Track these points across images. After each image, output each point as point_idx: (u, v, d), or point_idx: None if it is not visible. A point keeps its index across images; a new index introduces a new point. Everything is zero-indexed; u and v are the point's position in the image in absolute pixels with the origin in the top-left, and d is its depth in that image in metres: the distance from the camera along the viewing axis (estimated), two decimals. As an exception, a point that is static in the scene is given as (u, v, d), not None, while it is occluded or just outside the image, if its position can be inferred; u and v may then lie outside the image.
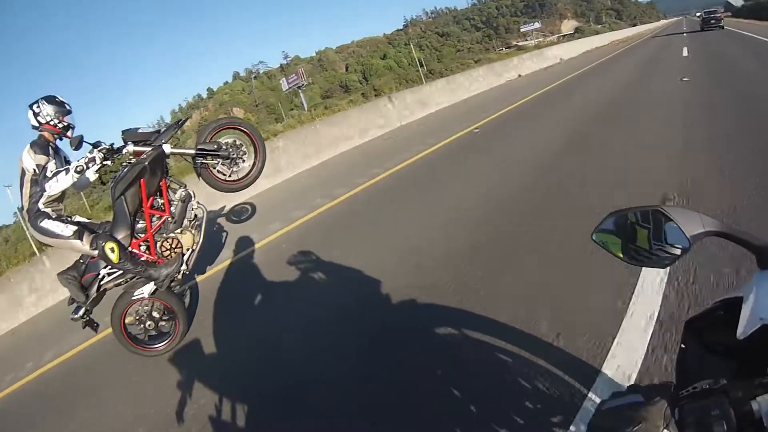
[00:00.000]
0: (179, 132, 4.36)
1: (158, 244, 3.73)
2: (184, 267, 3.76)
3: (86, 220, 3.81)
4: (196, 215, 3.90)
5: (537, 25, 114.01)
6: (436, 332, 2.79)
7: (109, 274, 3.71)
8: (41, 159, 3.48)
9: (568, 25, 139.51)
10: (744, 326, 0.74)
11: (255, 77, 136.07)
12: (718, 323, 0.84)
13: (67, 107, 3.68)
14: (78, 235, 3.55)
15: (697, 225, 0.83)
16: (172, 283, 3.79)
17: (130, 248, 3.63)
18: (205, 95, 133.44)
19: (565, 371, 2.13)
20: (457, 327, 2.77)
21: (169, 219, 3.74)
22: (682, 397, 0.74)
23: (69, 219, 3.66)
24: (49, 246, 3.74)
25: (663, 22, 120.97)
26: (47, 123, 3.59)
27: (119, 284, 3.78)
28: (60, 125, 3.63)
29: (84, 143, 3.58)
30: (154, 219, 3.72)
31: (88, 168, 3.48)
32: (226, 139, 3.94)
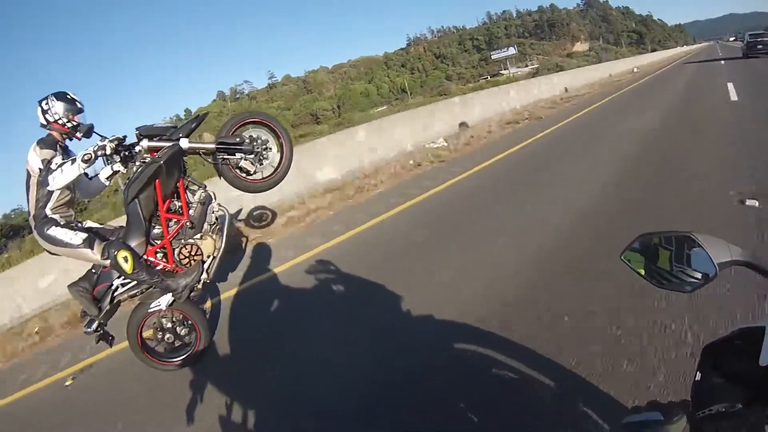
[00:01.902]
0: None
1: (176, 251, 3.76)
2: (204, 276, 3.79)
3: (98, 226, 3.87)
4: (216, 219, 3.93)
5: (512, 50, 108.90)
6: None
7: (122, 285, 3.75)
8: (47, 153, 3.53)
9: (581, 48, 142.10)
10: (766, 355, 0.81)
11: (238, 98, 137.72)
12: (736, 351, 0.92)
13: (79, 105, 3.73)
14: (88, 243, 3.60)
15: (724, 253, 0.92)
16: (192, 294, 3.83)
17: (145, 256, 3.67)
18: (182, 116, 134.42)
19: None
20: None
21: (188, 223, 3.77)
22: (700, 418, 0.84)
23: (79, 225, 3.72)
24: (56, 255, 3.77)
25: (685, 48, 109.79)
26: (56, 122, 3.64)
27: (134, 295, 3.81)
28: (69, 125, 3.68)
29: (95, 134, 3.65)
30: (171, 224, 3.75)
31: (96, 157, 3.48)
32: (249, 133, 3.95)
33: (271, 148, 4.04)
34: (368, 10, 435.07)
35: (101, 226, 3.90)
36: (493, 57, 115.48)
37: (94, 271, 3.80)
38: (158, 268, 3.73)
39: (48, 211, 3.59)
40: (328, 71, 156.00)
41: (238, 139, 3.85)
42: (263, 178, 4.01)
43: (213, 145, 3.78)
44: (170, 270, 3.76)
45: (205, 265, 3.81)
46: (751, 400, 0.83)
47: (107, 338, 3.89)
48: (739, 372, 0.89)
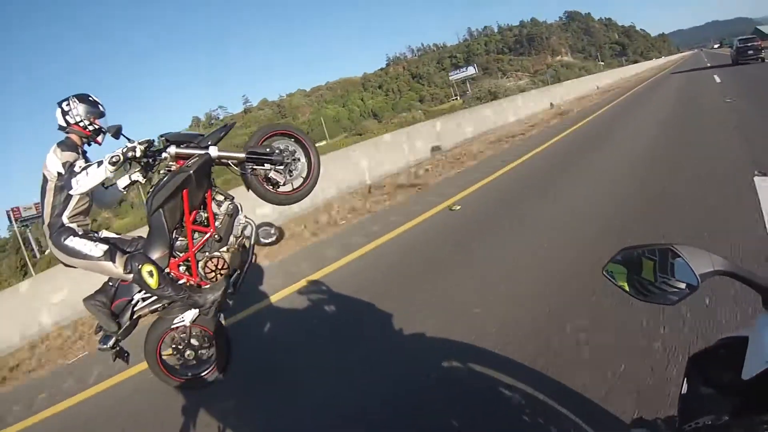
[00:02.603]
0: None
1: (200, 264, 3.71)
2: (231, 290, 3.74)
3: (114, 236, 3.76)
4: (243, 231, 3.89)
5: (471, 70, 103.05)
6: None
7: (144, 300, 3.65)
8: (69, 156, 3.43)
9: (563, 62, 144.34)
10: (750, 367, 0.85)
11: (213, 123, 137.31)
12: (721, 361, 0.97)
13: (101, 109, 3.68)
14: (109, 255, 3.49)
15: (706, 264, 0.94)
16: (221, 309, 3.76)
17: (167, 269, 3.60)
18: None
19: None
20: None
21: (215, 236, 3.72)
22: (686, 431, 0.89)
23: (96, 236, 3.62)
24: (71, 267, 3.64)
25: (661, 61, 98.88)
26: (76, 123, 3.57)
27: (155, 310, 3.72)
28: (90, 128, 3.62)
29: (123, 136, 3.57)
30: (196, 236, 3.70)
31: (125, 160, 3.41)
32: (278, 144, 3.96)
33: (299, 159, 4.06)
34: (350, 30, 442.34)
35: (118, 236, 3.80)
36: (451, 78, 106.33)
37: (111, 284, 3.68)
38: (181, 282, 3.66)
39: (65, 219, 3.49)
40: (305, 94, 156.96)
41: (267, 150, 3.85)
42: (292, 190, 4.01)
43: (243, 155, 3.76)
44: (194, 284, 3.69)
45: (232, 279, 3.76)
46: (738, 411, 0.86)
47: (123, 355, 3.78)
48: (725, 382, 0.93)
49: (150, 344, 3.72)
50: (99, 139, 3.70)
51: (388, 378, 3.35)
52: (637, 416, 2.17)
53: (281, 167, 3.91)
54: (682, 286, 0.96)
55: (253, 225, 3.94)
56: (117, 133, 3.56)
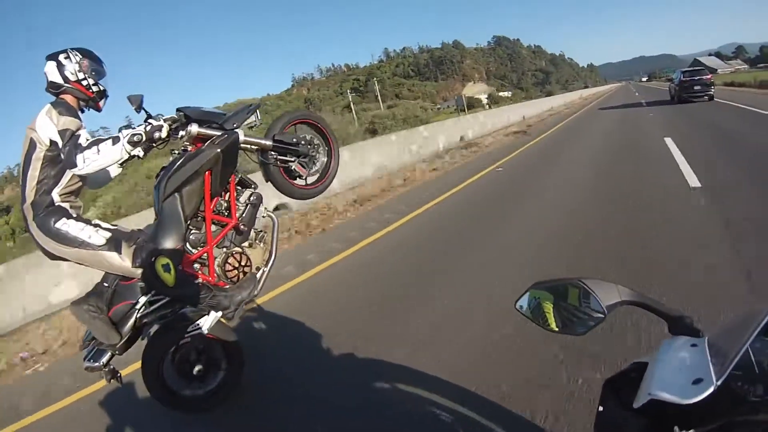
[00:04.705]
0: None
1: (218, 260, 3.42)
2: (255, 291, 3.47)
3: (108, 225, 3.24)
4: (264, 225, 3.72)
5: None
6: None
7: (151, 303, 3.21)
8: (70, 123, 2.94)
9: (474, 90, 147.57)
10: (639, 396, 0.97)
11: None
12: (633, 384, 1.07)
13: (105, 68, 3.29)
14: (114, 245, 3.03)
15: (613, 295, 1.09)
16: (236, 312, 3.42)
17: (180, 266, 3.18)
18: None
19: None
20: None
21: (240, 227, 3.48)
22: None
23: (90, 221, 3.14)
24: (60, 259, 3.10)
25: (586, 92, 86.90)
26: (77, 82, 3.11)
27: (164, 316, 3.31)
28: (94, 88, 3.19)
29: (143, 110, 3.18)
30: (214, 228, 3.40)
31: (149, 142, 3.01)
32: (303, 134, 3.83)
33: (321, 153, 3.99)
34: (255, 47, 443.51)
35: (114, 226, 3.27)
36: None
37: (106, 284, 3.22)
38: (198, 281, 3.29)
39: (55, 195, 3.02)
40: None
41: (294, 140, 3.72)
42: (310, 185, 3.91)
43: (269, 143, 3.59)
44: (211, 284, 3.35)
45: (257, 278, 3.51)
46: (646, 430, 0.98)
47: (117, 374, 3.29)
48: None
49: (152, 359, 3.33)
50: (101, 103, 3.30)
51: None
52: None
53: (305, 159, 3.81)
54: (600, 314, 1.08)
55: (274, 218, 3.76)
56: (140, 105, 3.15)
